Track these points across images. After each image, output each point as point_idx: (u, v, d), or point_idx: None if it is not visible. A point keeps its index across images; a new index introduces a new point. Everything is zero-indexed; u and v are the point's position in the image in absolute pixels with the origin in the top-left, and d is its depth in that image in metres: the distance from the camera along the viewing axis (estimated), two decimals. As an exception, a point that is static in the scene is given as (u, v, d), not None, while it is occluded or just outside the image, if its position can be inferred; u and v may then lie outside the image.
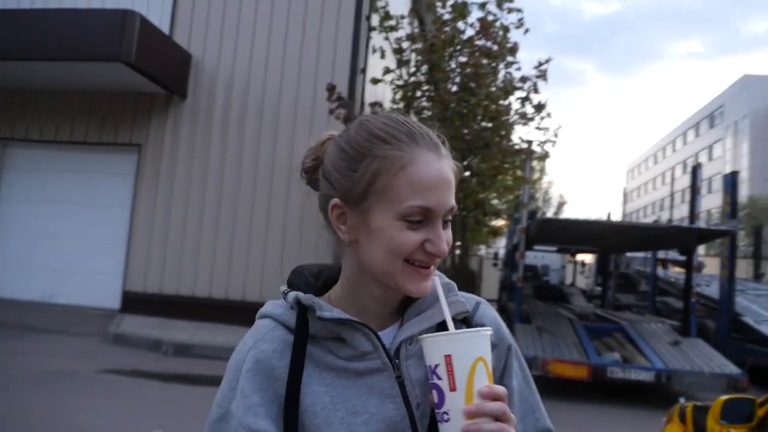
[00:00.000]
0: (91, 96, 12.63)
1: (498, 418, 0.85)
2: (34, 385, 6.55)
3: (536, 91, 10.77)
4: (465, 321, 1.06)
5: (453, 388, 0.87)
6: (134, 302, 11.44)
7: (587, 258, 25.22)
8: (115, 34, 10.54)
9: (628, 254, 19.06)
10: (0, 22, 11.11)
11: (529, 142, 11.13)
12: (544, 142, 11.55)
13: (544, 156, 11.75)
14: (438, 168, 0.95)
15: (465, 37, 10.51)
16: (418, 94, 10.44)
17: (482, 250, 37.40)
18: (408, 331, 1.01)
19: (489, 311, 1.10)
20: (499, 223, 22.34)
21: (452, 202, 0.96)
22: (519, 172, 12.46)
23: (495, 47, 10.52)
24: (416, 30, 10.93)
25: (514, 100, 10.84)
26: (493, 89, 10.32)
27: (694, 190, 10.31)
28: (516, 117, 10.62)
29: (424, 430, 0.96)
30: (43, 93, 12.87)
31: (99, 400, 6.13)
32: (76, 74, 11.59)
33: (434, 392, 0.89)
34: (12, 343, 9.01)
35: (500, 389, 0.87)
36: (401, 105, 10.91)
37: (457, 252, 19.14)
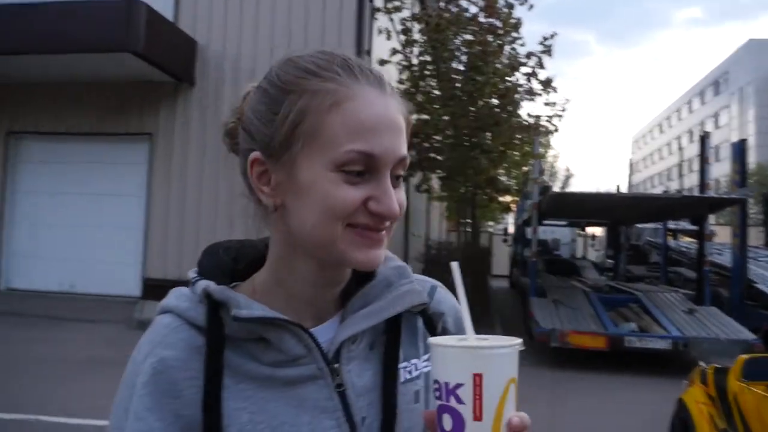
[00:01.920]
0: (99, 86, 12.72)
1: None
2: (56, 376, 6.74)
3: (542, 66, 10.79)
4: (423, 312, 0.87)
5: (478, 417, 0.66)
6: (155, 289, 11.60)
7: (597, 231, 25.26)
8: (121, 24, 10.61)
9: (639, 225, 19.12)
10: (9, 17, 11.19)
11: (538, 118, 11.18)
12: (552, 117, 11.59)
13: (553, 131, 11.79)
14: (383, 106, 0.75)
15: (469, 15, 10.51)
16: (425, 73, 10.47)
17: (491, 226, 37.47)
18: (351, 328, 0.80)
19: (447, 296, 0.92)
20: (508, 199, 22.47)
21: (403, 150, 0.76)
22: (527, 148, 12.52)
23: (500, 24, 10.53)
24: (420, 10, 10.94)
25: (520, 76, 10.87)
26: (500, 66, 10.34)
27: (704, 159, 10.37)
28: (523, 93, 10.66)
29: None
30: (53, 86, 12.94)
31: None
32: (86, 66, 11.67)
33: (446, 417, 0.68)
34: (40, 332, 9.21)
35: (527, 418, 0.69)
36: (408, 85, 10.94)
37: (469, 230, 19.23)
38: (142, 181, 12.53)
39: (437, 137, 10.56)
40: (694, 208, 10.62)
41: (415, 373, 0.84)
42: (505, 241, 26.05)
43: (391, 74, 12.28)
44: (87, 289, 12.58)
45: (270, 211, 0.79)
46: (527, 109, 14.24)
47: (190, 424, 0.73)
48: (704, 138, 10.54)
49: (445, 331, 0.88)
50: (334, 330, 0.81)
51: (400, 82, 11.14)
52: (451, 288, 0.83)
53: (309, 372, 0.77)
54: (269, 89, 0.79)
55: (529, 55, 10.76)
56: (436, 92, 10.51)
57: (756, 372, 2.85)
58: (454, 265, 0.78)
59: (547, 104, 11.03)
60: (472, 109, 9.90)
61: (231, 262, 0.86)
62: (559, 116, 11.51)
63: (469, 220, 14.51)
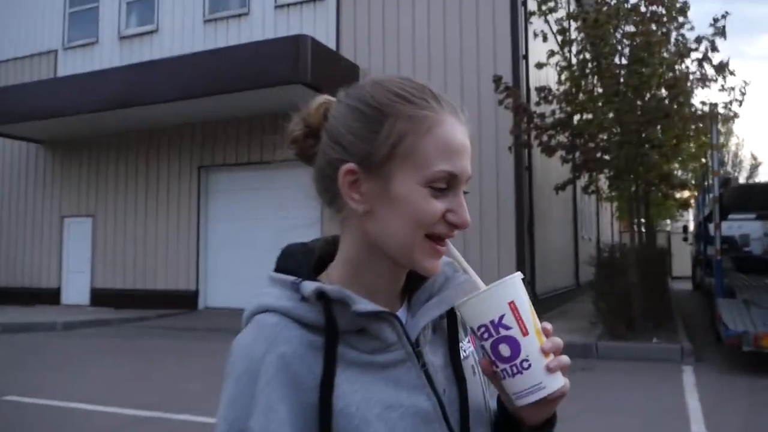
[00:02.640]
0: (274, 117, 13.77)
1: (559, 351, 0.87)
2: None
3: (715, 49, 10.04)
4: None
5: (525, 333, 0.84)
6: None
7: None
8: (291, 59, 11.47)
9: None
10: (189, 65, 12.52)
11: (713, 105, 10.41)
12: (730, 103, 10.74)
13: (731, 117, 10.89)
14: (461, 132, 0.89)
15: (629, 6, 10.06)
16: (586, 71, 10.14)
17: (669, 225, 35.16)
18: (426, 316, 0.93)
19: None
20: (685, 194, 20.98)
21: (470, 170, 0.90)
22: (704, 138, 11.68)
23: (663, 11, 9.97)
24: (575, 8, 10.66)
25: (690, 63, 10.21)
26: (666, 55, 9.79)
27: None
28: (694, 81, 9.97)
29: (456, 415, 0.91)
30: (234, 121, 14.26)
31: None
32: (261, 100, 12.73)
33: (503, 347, 0.84)
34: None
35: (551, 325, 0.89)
36: (568, 85, 10.68)
37: (643, 230, 18.16)
38: (317, 204, 13.33)
39: (602, 136, 10.20)
40: None
41: (468, 352, 0.99)
42: (685, 239, 24.32)
43: (550, 77, 12.09)
44: (273, 305, 13.60)
45: (358, 215, 0.88)
46: (701, 97, 13.22)
47: (311, 409, 0.82)
48: None
49: None
50: (404, 318, 0.92)
51: (560, 82, 10.90)
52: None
53: (400, 356, 0.88)
54: (364, 109, 0.88)
55: (699, 40, 10.07)
56: (599, 90, 10.17)
57: None
58: (448, 242, 0.90)
59: (722, 90, 10.23)
60: (639, 103, 9.45)
61: (307, 264, 0.94)
62: (739, 101, 10.63)
63: (642, 220, 13.78)
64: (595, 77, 10.14)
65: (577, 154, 10.16)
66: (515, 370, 0.84)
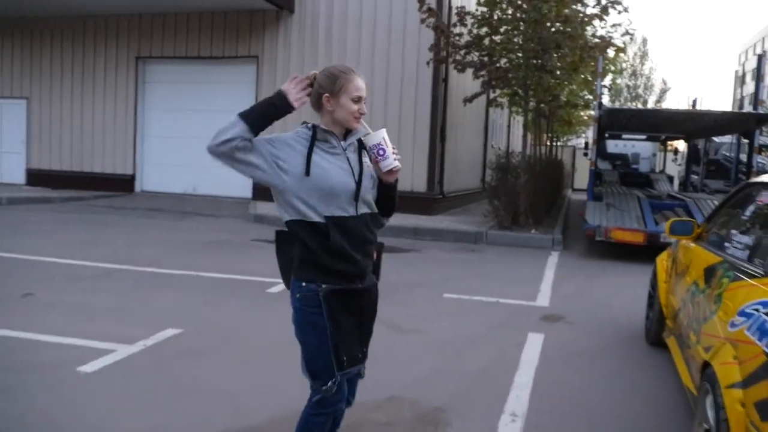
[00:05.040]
0: (212, 16, 14.48)
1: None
2: (203, 250, 8.80)
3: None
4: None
5: (387, 146, 2.27)
6: (264, 191, 13.51)
7: (681, 146, 25.36)
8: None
9: (716, 140, 19.43)
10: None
11: (602, 38, 12.01)
12: (623, 35, 12.43)
13: (621, 50, 12.59)
14: (362, 82, 2.30)
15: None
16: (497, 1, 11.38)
17: (577, 142, 37.68)
18: (351, 139, 2.36)
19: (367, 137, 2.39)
20: (590, 114, 22.98)
21: (365, 94, 2.32)
22: (612, 67, 13.31)
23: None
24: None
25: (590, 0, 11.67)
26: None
27: (759, 77, 11.06)
28: (585, 17, 11.46)
29: (358, 176, 2.32)
30: (172, 16, 14.84)
31: (257, 258, 8.25)
32: (202, -2, 13.41)
33: (382, 150, 2.26)
34: (175, 222, 11.42)
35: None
36: (485, 9, 11.85)
37: (547, 142, 20.08)
38: (251, 98, 14.35)
39: (510, 56, 11.63)
40: (742, 123, 11.45)
41: (366, 159, 2.39)
42: (585, 154, 26.66)
43: (472, 0, 13.26)
44: (207, 191, 14.85)
45: (328, 110, 2.31)
46: (601, 32, 14.49)
47: (303, 157, 2.27)
48: (761, 57, 11.20)
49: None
50: (342, 142, 2.36)
51: (479, 3, 12.05)
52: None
53: (338, 151, 2.34)
54: (329, 75, 2.32)
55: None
56: (509, 15, 11.48)
57: (681, 230, 4.24)
58: (363, 122, 2.37)
59: (612, 26, 11.85)
60: (539, 34, 10.82)
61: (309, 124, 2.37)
62: (630, 35, 12.30)
63: (548, 135, 15.48)
64: (507, 3, 11.40)
65: (484, 72, 11.57)
66: (384, 158, 2.30)
